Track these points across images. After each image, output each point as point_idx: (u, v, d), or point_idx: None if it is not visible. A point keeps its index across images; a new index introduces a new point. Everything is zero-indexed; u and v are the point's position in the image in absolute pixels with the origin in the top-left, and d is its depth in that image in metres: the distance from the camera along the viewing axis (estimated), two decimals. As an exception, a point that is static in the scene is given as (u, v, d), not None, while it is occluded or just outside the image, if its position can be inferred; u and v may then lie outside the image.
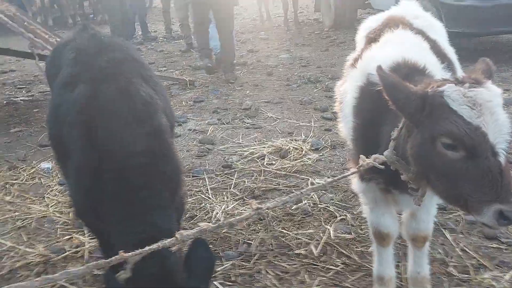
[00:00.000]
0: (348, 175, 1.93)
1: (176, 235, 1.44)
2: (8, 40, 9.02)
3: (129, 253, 1.41)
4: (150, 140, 2.05)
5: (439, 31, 2.78)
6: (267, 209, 1.56)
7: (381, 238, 2.43)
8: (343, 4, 11.33)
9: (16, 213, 3.73)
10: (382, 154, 1.88)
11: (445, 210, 3.29)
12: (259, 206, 1.52)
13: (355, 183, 2.43)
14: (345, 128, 2.56)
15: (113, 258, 1.36)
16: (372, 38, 2.56)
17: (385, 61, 2.09)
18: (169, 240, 1.44)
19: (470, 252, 2.91)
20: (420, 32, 2.47)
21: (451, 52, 2.64)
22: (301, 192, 1.63)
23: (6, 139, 5.40)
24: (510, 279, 2.64)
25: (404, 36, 2.35)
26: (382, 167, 1.84)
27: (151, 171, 1.99)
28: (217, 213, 3.52)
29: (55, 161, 2.62)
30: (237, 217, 1.56)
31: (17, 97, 7.21)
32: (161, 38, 11.93)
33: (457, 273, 2.72)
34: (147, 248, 1.42)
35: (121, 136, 2.00)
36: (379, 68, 1.82)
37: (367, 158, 1.87)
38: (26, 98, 7.15)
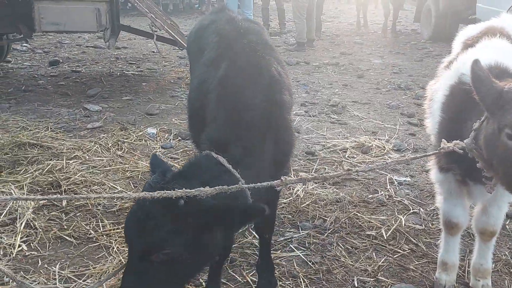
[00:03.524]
0: (422, 156, 2.18)
1: (282, 178, 1.81)
2: (128, 20, 10.04)
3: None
4: (268, 108, 2.33)
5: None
6: (356, 171, 1.87)
7: (450, 227, 2.64)
8: (445, 17, 11.15)
9: (126, 166, 4.33)
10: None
11: (521, 219, 3.40)
12: (350, 168, 1.84)
13: (434, 173, 2.67)
14: (431, 123, 2.79)
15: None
16: (469, 44, 2.77)
17: (479, 63, 2.32)
18: (277, 181, 1.81)
19: (537, 260, 3.02)
20: (517, 42, 2.66)
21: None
22: (386, 163, 1.93)
23: (119, 105, 6.13)
24: None
25: (500, 44, 2.54)
26: (461, 151, 2.08)
27: (262, 127, 2.27)
28: (297, 190, 3.87)
29: (190, 133, 2.96)
30: (330, 174, 1.88)
31: (128, 71, 8.03)
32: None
33: (520, 275, 2.86)
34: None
35: (243, 99, 2.32)
36: (476, 61, 2.05)
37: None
38: (136, 73, 7.95)
